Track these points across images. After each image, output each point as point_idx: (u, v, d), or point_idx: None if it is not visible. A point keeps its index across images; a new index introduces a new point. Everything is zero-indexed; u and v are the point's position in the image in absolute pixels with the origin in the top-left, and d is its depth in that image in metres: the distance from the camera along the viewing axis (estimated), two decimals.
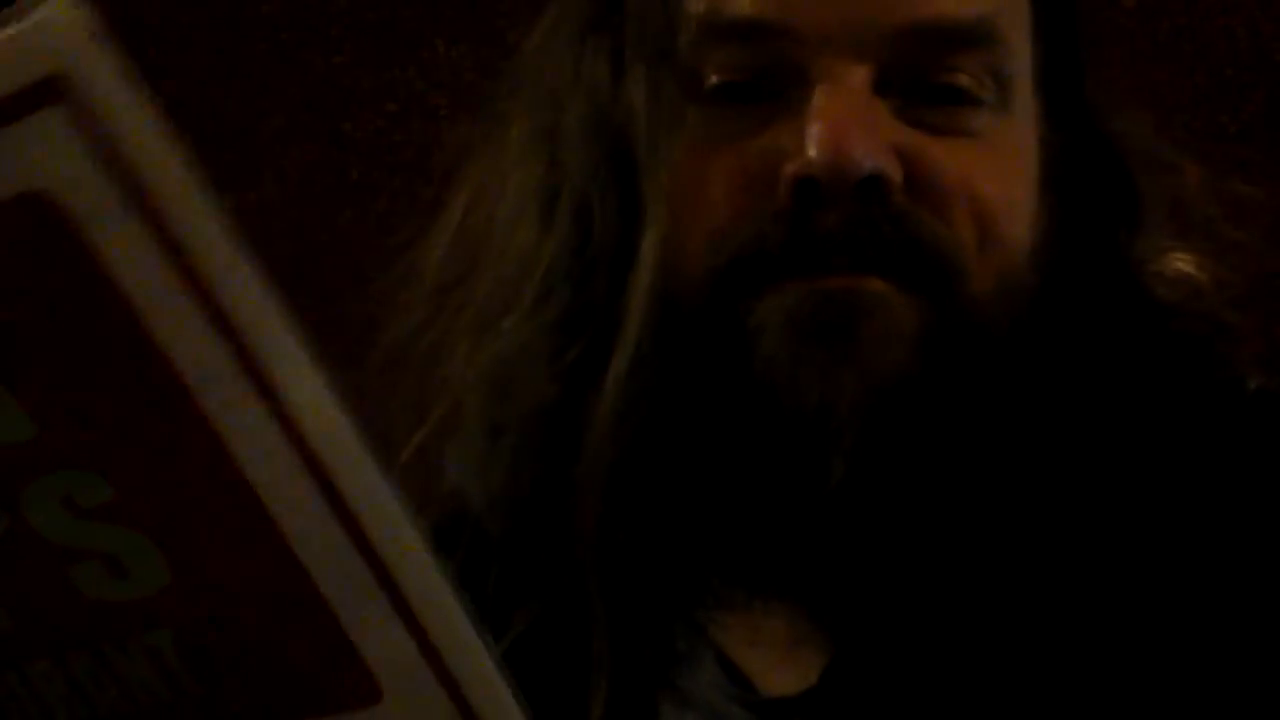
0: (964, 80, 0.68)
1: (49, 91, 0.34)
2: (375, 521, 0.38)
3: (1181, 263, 0.76)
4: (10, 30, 0.35)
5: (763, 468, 0.68)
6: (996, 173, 0.69)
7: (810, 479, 0.67)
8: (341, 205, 2.02)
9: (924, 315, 0.68)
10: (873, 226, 0.66)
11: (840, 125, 0.65)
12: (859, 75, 0.66)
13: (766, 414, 0.67)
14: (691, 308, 0.69)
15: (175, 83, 2.15)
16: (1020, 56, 0.71)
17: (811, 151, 0.65)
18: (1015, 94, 0.70)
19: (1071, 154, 0.75)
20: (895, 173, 0.66)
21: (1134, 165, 0.77)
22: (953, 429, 0.68)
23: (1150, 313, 0.75)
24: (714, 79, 0.69)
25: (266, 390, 0.37)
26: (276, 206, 2.53)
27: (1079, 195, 0.75)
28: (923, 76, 0.68)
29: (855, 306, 0.66)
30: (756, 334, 0.67)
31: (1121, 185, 0.76)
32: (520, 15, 0.84)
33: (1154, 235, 0.76)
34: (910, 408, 0.67)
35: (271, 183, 2.37)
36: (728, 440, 0.69)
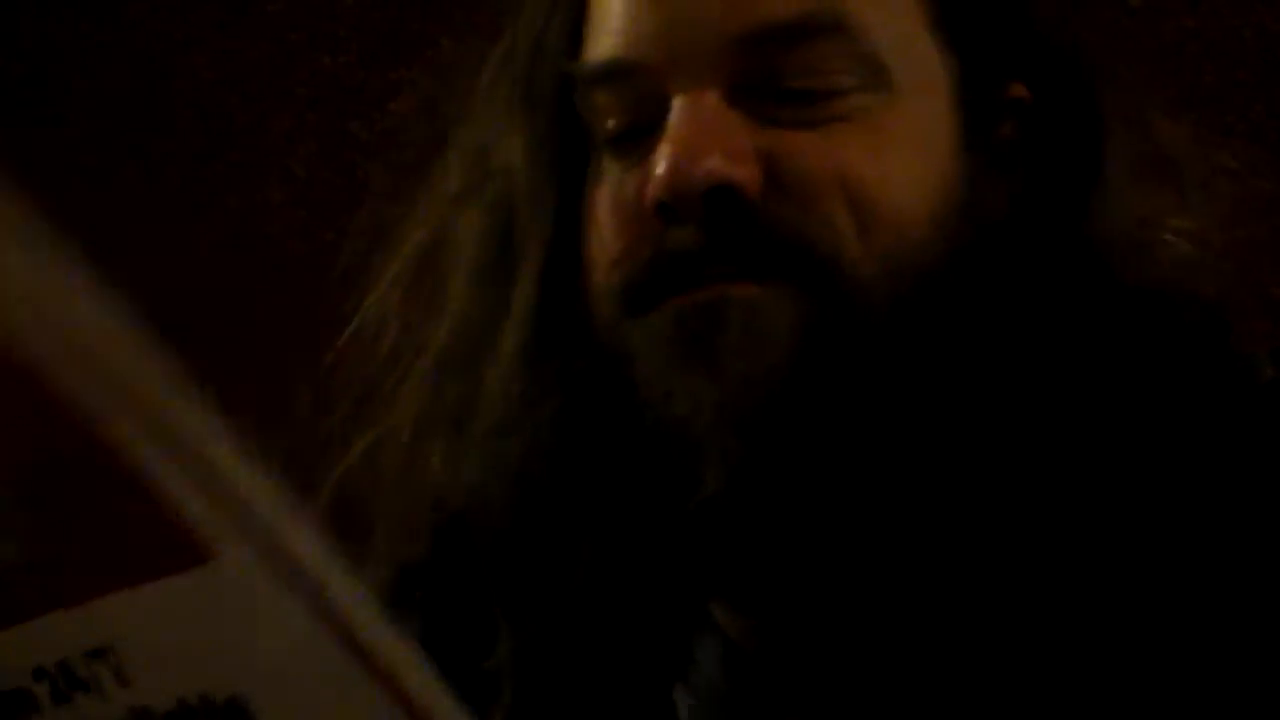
0: (816, 77, 0.69)
1: None
2: None
3: (1177, 235, 0.76)
4: None
5: (647, 485, 0.70)
6: (873, 152, 0.69)
7: (687, 491, 0.68)
8: (349, 206, 2.01)
9: (803, 309, 0.68)
10: (729, 234, 0.67)
11: (680, 145, 0.67)
12: (711, 93, 0.68)
13: (647, 433, 0.69)
14: (598, 340, 0.72)
15: (183, 83, 2.15)
16: (890, 29, 0.70)
17: (655, 175, 0.67)
18: (893, 68, 0.70)
19: (1022, 107, 0.74)
20: (746, 176, 0.67)
21: (1102, 117, 0.76)
22: (853, 416, 0.68)
23: (1116, 281, 0.74)
24: (609, 125, 0.72)
25: None
26: (283, 207, 2.53)
27: (1031, 152, 0.74)
28: (776, 79, 0.69)
29: (717, 317, 0.68)
30: (634, 357, 0.70)
31: (1083, 138, 0.75)
32: None
33: (1126, 196, 0.75)
34: (795, 404, 0.68)
35: (278, 183, 2.37)
36: (620, 462, 0.71)
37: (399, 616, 0.74)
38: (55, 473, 0.39)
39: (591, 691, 0.71)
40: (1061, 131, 0.74)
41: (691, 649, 0.73)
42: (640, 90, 0.70)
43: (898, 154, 0.70)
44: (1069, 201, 0.74)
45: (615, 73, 0.71)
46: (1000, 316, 0.70)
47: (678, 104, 0.68)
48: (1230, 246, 0.78)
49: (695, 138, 0.67)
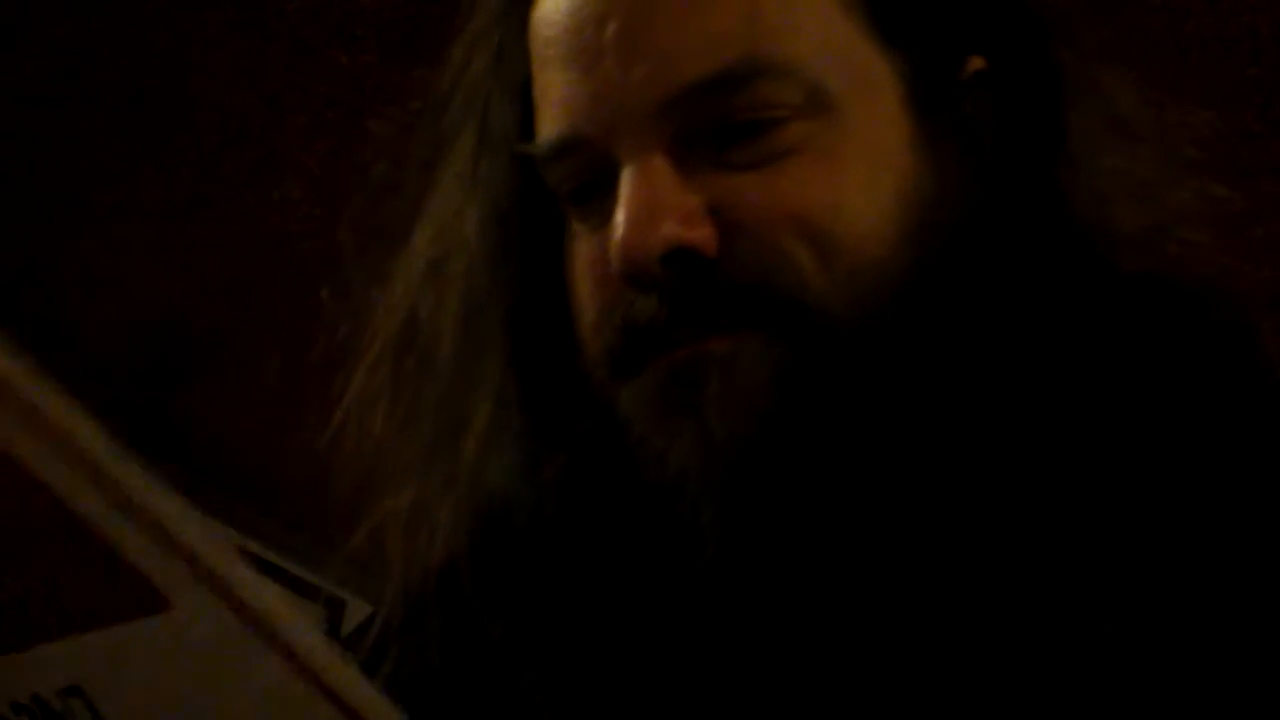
0: (754, 114, 0.69)
1: None
2: None
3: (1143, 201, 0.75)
4: None
5: (650, 544, 0.71)
6: (823, 181, 0.69)
7: (689, 550, 0.69)
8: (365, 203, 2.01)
9: (778, 354, 0.68)
10: (694, 294, 0.68)
11: (631, 219, 0.68)
12: (656, 154, 0.69)
13: (647, 492, 0.70)
14: (593, 398, 0.73)
15: (200, 80, 2.16)
16: (821, 49, 0.70)
17: (612, 248, 0.68)
18: (831, 89, 0.70)
19: (983, 77, 0.74)
20: (700, 236, 0.68)
21: (1060, 75, 0.75)
22: (845, 449, 0.68)
23: (1097, 258, 0.73)
24: (569, 190, 0.73)
25: None
26: (300, 204, 2.54)
27: (998, 120, 0.74)
28: (715, 123, 0.70)
29: (695, 376, 0.68)
30: (627, 422, 0.71)
31: (1043, 98, 0.74)
32: None
33: (1094, 157, 0.75)
34: (786, 450, 0.68)
35: (295, 180, 2.38)
36: (623, 522, 0.72)
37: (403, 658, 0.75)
38: (25, 532, 0.41)
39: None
40: (1022, 94, 0.74)
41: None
42: (590, 158, 0.71)
43: (849, 176, 0.70)
44: (1036, 164, 0.73)
45: (562, 149, 0.72)
46: (983, 313, 0.70)
47: (625, 174, 0.69)
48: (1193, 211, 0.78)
49: (644, 210, 0.68)
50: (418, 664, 0.74)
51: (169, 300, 2.81)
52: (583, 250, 0.73)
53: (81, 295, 2.85)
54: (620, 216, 0.68)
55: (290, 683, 0.42)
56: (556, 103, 0.72)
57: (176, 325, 2.89)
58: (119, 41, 2.09)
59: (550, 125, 0.72)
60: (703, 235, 0.68)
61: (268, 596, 0.42)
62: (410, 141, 0.83)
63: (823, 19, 0.71)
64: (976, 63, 0.73)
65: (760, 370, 0.68)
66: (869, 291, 0.68)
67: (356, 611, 1.92)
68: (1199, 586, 0.65)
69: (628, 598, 0.72)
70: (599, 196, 0.71)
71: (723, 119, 0.69)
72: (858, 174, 0.70)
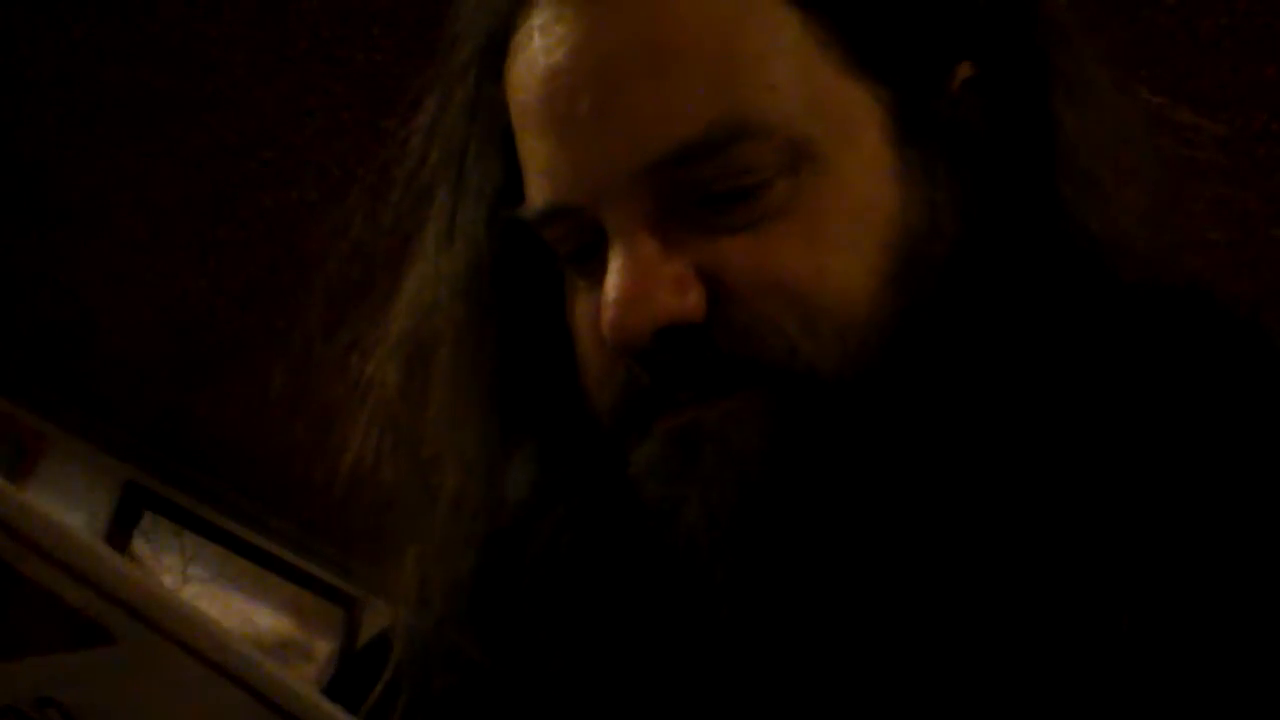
0: (737, 178, 0.69)
1: None
2: None
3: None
4: None
5: (665, 597, 0.72)
6: (807, 244, 0.69)
7: (705, 609, 0.69)
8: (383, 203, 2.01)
9: (772, 417, 0.69)
10: (686, 363, 0.69)
11: (619, 297, 0.68)
12: (640, 224, 0.70)
13: (656, 547, 0.71)
14: (603, 450, 0.74)
15: (218, 82, 2.16)
16: (800, 99, 0.69)
17: (603, 323, 0.69)
18: (813, 138, 0.69)
19: (975, 82, 0.73)
20: (688, 306, 0.69)
21: (1058, 98, 0.74)
22: (847, 504, 0.69)
23: (1102, 267, 0.73)
24: (563, 250, 0.73)
25: None
26: (318, 204, 2.54)
27: (994, 122, 0.73)
28: (700, 189, 0.70)
29: (694, 441, 0.69)
30: (637, 482, 0.71)
31: (1038, 121, 0.73)
32: None
33: (1103, 173, 0.74)
34: (788, 512, 0.69)
35: (312, 181, 2.38)
36: (634, 570, 0.73)
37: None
38: None
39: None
40: (1015, 95, 0.73)
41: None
42: (579, 222, 0.71)
43: (832, 235, 0.70)
44: (1033, 168, 0.73)
45: (551, 215, 0.72)
46: (983, 345, 0.70)
47: (612, 246, 0.70)
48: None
49: (631, 287, 0.68)
50: (423, 698, 0.75)
51: (188, 301, 2.82)
52: (583, 306, 0.73)
53: (100, 297, 2.86)
54: (609, 293, 0.68)
55: (239, 700, 0.44)
56: (540, 171, 0.72)
57: (195, 326, 2.90)
58: (138, 43, 2.09)
59: (537, 192, 0.72)
60: (691, 304, 0.69)
61: (213, 634, 0.44)
62: (385, 197, 0.84)
63: (799, 66, 0.70)
64: (965, 70, 0.73)
65: (756, 433, 0.69)
66: (857, 348, 0.69)
67: (376, 614, 1.92)
68: (1226, 613, 0.65)
69: (640, 644, 0.73)
70: (596, 256, 0.71)
71: (704, 186, 0.69)
72: (841, 230, 0.70)
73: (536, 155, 0.72)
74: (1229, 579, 0.66)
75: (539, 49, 0.71)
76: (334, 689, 0.78)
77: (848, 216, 0.70)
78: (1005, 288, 0.71)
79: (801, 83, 0.70)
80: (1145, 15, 1.69)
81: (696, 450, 0.69)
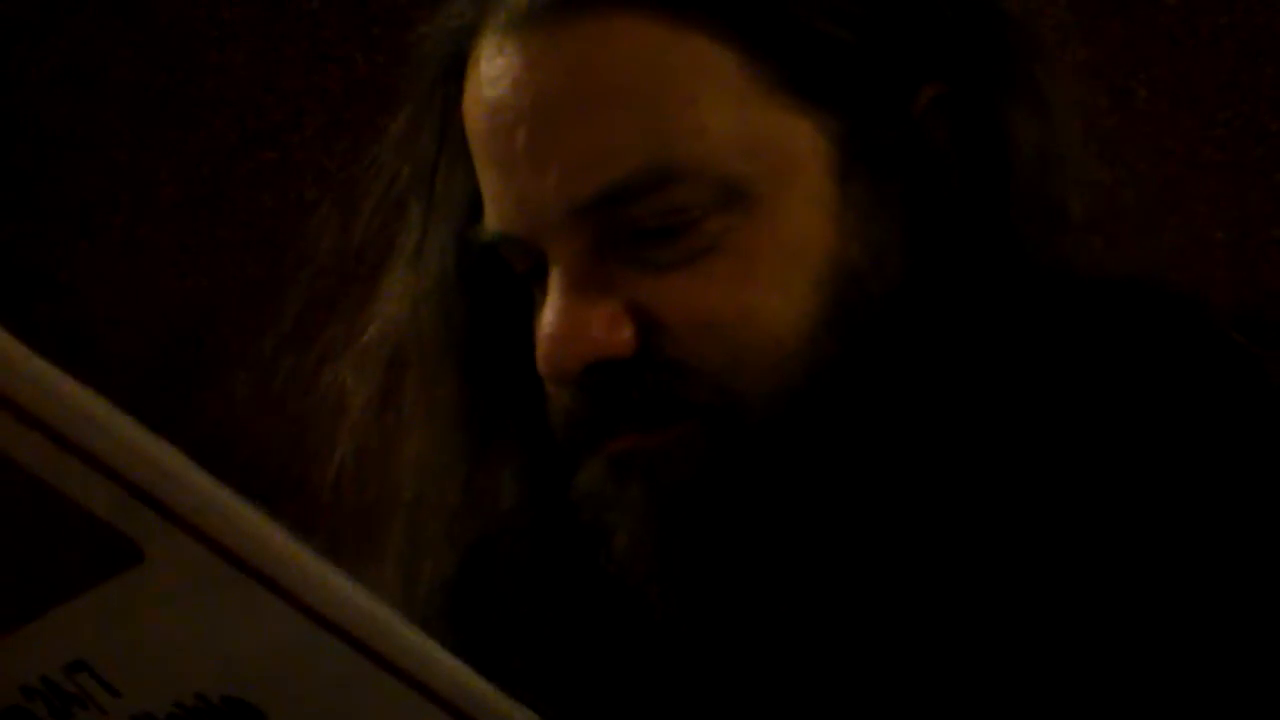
0: (669, 216, 0.69)
1: None
2: None
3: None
4: None
5: (612, 604, 0.74)
6: (736, 283, 0.69)
7: (642, 625, 0.72)
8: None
9: (703, 448, 0.70)
10: (617, 395, 0.70)
11: (551, 335, 0.70)
12: (575, 260, 0.70)
13: (604, 574, 0.73)
14: (563, 464, 0.75)
15: (217, 81, 2.16)
16: (736, 137, 0.69)
17: (538, 367, 0.71)
18: (749, 175, 0.69)
19: (943, 101, 0.73)
20: (617, 343, 0.70)
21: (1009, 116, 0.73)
22: (771, 531, 0.70)
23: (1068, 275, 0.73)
24: (518, 269, 0.75)
25: None
26: (317, 205, 2.53)
27: (962, 138, 0.73)
28: (633, 226, 0.70)
29: (628, 470, 0.71)
30: (579, 504, 0.73)
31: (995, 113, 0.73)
32: None
33: (1083, 187, 0.74)
34: (712, 535, 0.70)
35: (312, 181, 2.38)
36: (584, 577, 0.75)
37: None
38: None
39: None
40: (987, 115, 0.73)
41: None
42: (525, 249, 0.73)
43: (763, 274, 0.69)
44: (1005, 187, 0.72)
45: (499, 243, 0.74)
46: (927, 371, 0.70)
47: (551, 278, 0.71)
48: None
49: (563, 324, 0.70)
50: None
51: (187, 301, 2.82)
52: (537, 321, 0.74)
53: (99, 296, 2.86)
54: (543, 328, 0.70)
55: (292, 621, 0.40)
56: (489, 199, 0.73)
57: (194, 326, 2.90)
58: (137, 42, 2.09)
59: (490, 218, 0.73)
60: (620, 341, 0.69)
61: (254, 534, 0.40)
62: (358, 210, 0.85)
63: (732, 103, 0.69)
64: (931, 90, 0.72)
65: (682, 466, 0.70)
66: (786, 385, 0.69)
67: None
68: (1208, 622, 0.65)
69: (583, 654, 0.74)
70: (548, 275, 0.72)
71: (634, 224, 0.69)
72: (773, 269, 0.70)
73: (485, 183, 0.73)
74: (1140, 578, 0.66)
75: (484, 80, 0.71)
76: None
77: (780, 255, 0.70)
78: (953, 315, 0.71)
79: (735, 122, 0.69)
80: (1145, 15, 1.69)
81: (627, 480, 0.70)
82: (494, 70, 0.71)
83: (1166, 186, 1.50)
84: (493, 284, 0.78)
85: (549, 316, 0.70)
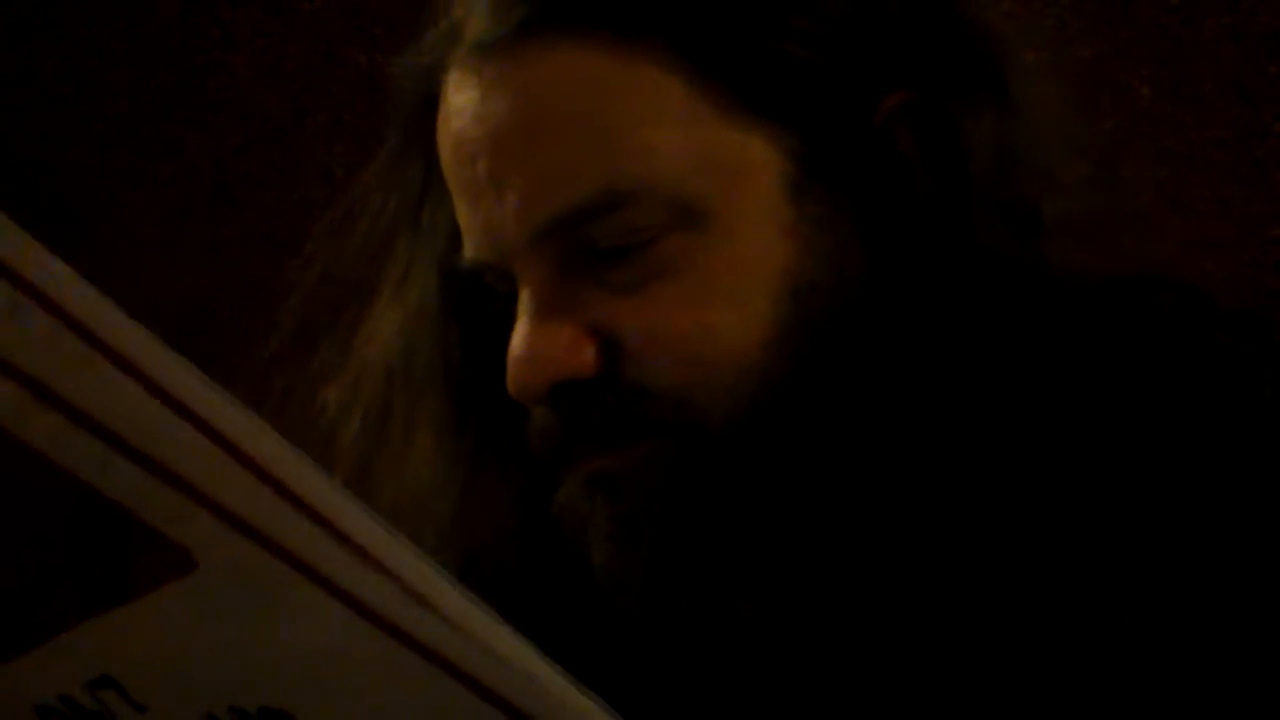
0: (626, 237, 0.71)
1: None
2: None
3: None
4: None
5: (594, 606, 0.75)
6: (692, 304, 0.70)
7: (624, 633, 0.73)
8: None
9: (667, 466, 0.71)
10: (582, 415, 0.72)
11: (517, 356, 0.71)
12: (540, 284, 0.72)
13: (591, 587, 0.74)
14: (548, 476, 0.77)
15: (219, 81, 2.16)
16: (689, 159, 0.70)
17: (508, 387, 0.72)
18: (703, 195, 0.70)
19: (912, 109, 0.73)
20: (579, 364, 0.71)
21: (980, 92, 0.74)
22: (740, 542, 0.71)
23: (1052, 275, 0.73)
24: (498, 291, 0.76)
25: None
26: (320, 206, 2.54)
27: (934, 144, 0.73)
28: (592, 247, 0.71)
29: (597, 489, 0.72)
30: (558, 518, 0.75)
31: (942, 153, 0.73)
32: None
33: (1062, 192, 0.74)
34: (680, 551, 0.71)
35: (315, 182, 2.38)
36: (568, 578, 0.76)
37: None
38: (34, 512, 0.37)
39: None
40: (955, 123, 0.73)
41: None
42: (498, 274, 0.75)
43: (720, 291, 0.70)
44: (975, 195, 0.73)
45: (475, 269, 0.76)
46: (891, 380, 0.71)
47: (520, 302, 0.72)
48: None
49: (528, 347, 0.71)
50: None
51: (189, 300, 2.82)
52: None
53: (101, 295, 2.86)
54: (511, 350, 0.71)
55: (354, 631, 0.38)
56: (464, 228, 0.75)
57: (197, 326, 2.90)
58: (138, 42, 2.09)
59: (466, 246, 0.75)
60: (582, 362, 0.71)
61: (310, 532, 0.37)
62: (347, 236, 0.86)
63: (681, 123, 0.70)
64: (896, 99, 0.73)
65: (647, 484, 0.71)
66: (748, 399, 0.70)
67: None
68: (1210, 621, 0.65)
69: (578, 660, 0.75)
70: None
71: (594, 246, 0.71)
72: (732, 286, 0.70)
73: (458, 212, 0.75)
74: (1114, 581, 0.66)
75: (451, 112, 0.73)
76: None
77: (737, 271, 0.71)
78: (915, 322, 0.72)
79: (685, 141, 0.70)
80: (1145, 15, 1.69)
81: (596, 498, 0.72)
82: (458, 102, 0.73)
83: (1166, 186, 1.50)
84: (480, 309, 0.79)
85: (514, 339, 0.72)
